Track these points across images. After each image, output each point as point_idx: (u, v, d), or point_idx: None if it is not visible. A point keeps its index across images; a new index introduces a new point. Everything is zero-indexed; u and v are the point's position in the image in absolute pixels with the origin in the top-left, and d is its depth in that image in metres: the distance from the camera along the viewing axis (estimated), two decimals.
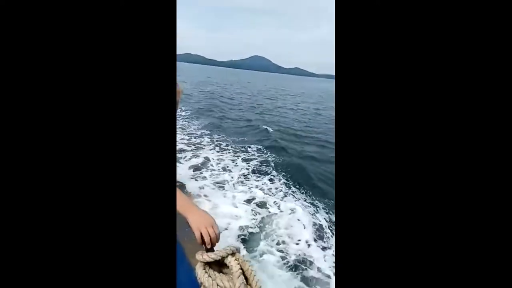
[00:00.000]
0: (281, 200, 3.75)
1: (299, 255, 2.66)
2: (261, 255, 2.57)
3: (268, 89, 29.13)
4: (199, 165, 4.72)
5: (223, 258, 0.72)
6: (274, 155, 5.78)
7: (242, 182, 4.24)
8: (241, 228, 2.93)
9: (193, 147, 5.66)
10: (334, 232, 3.08)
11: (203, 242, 0.80)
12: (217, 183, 4.07)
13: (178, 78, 1.18)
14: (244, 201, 3.57)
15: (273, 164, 5.21)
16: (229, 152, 5.63)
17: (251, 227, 2.99)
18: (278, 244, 2.75)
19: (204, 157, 5.11)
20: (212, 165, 4.75)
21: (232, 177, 4.34)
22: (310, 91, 35.74)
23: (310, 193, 4.11)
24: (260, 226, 3.06)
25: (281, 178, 4.58)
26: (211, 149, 5.62)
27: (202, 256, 0.74)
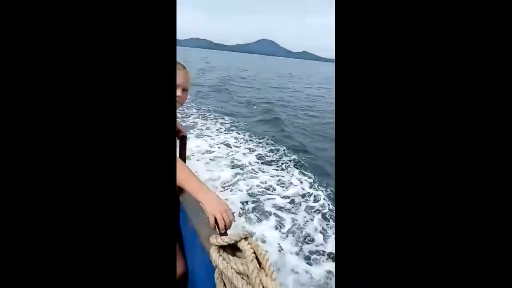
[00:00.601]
0: (243, 143, 5.35)
1: (242, 164, 4.26)
2: (217, 161, 4.18)
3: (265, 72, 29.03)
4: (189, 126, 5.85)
5: (236, 242, 0.69)
6: (246, 119, 7.19)
7: (217, 134, 5.66)
8: (211, 157, 4.35)
9: (184, 114, 6.81)
10: (277, 157, 4.72)
11: (217, 227, 0.76)
12: (199, 135, 5.42)
13: (186, 65, 1.02)
14: (217, 144, 5.02)
15: (244, 125, 6.64)
16: (211, 119, 6.78)
17: (218, 157, 4.46)
18: (232, 162, 4.27)
19: (192, 122, 6.36)
20: (197, 126, 5.99)
21: (212, 132, 5.70)
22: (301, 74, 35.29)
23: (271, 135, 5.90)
24: (225, 155, 4.55)
25: (248, 132, 6.08)
26: (196, 117, 6.81)
27: (217, 240, 0.70)
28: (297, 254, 2.45)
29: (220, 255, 0.68)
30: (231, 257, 0.68)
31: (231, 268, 0.65)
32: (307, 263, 2.36)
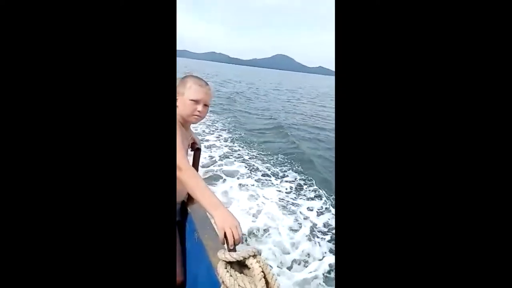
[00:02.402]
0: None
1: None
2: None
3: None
4: None
5: (245, 259, 0.67)
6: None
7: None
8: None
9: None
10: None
11: (226, 242, 0.74)
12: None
13: (203, 77, 1.03)
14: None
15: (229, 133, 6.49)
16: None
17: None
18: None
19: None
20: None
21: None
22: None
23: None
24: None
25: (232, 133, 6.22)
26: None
27: (225, 255, 0.68)
28: None
29: (227, 271, 0.67)
30: (238, 274, 0.66)
31: (238, 285, 0.64)
32: None
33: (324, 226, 2.92)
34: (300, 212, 3.11)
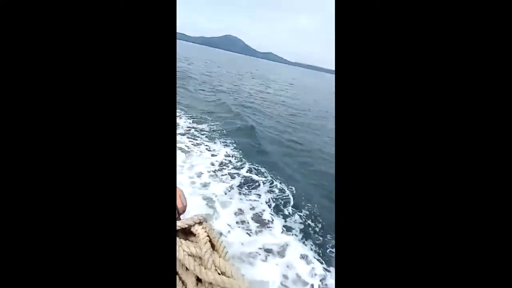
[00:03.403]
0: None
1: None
2: None
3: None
4: None
5: (190, 226, 0.68)
6: None
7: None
8: None
9: None
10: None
11: None
12: None
13: None
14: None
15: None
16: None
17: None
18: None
19: None
20: None
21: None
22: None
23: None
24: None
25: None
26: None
27: None
28: None
29: None
30: (183, 241, 0.67)
31: (183, 250, 0.64)
32: None
33: (230, 155, 4.57)
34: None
